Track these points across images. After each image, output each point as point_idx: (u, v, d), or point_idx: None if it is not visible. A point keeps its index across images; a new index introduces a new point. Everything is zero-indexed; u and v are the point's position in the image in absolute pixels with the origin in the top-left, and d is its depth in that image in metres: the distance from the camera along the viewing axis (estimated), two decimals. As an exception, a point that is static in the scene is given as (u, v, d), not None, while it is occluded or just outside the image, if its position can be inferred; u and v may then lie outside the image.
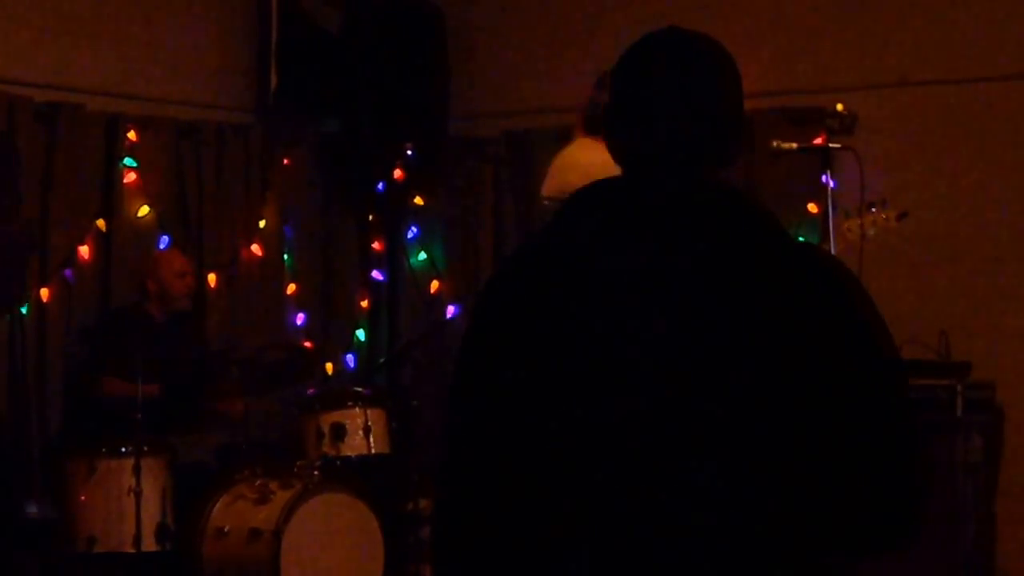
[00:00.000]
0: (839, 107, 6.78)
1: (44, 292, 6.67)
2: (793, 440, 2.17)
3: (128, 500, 5.87)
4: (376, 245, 7.96)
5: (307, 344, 7.51)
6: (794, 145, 5.82)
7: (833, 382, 2.19)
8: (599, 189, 2.34)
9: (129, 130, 7.00)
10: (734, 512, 2.16)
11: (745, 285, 2.21)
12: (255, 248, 7.49)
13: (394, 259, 7.90)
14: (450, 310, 7.67)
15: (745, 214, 2.30)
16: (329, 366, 7.65)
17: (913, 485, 2.23)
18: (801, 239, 5.19)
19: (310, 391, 6.96)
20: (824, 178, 5.78)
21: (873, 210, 5.78)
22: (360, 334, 7.90)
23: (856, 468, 2.19)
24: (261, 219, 7.53)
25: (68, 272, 6.78)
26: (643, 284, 2.23)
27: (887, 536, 2.23)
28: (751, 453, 2.16)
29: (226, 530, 5.98)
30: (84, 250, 6.83)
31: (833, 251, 5.36)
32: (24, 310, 6.59)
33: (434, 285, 7.78)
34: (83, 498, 5.95)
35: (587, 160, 5.21)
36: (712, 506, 2.17)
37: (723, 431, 2.16)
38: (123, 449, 5.95)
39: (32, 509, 6.38)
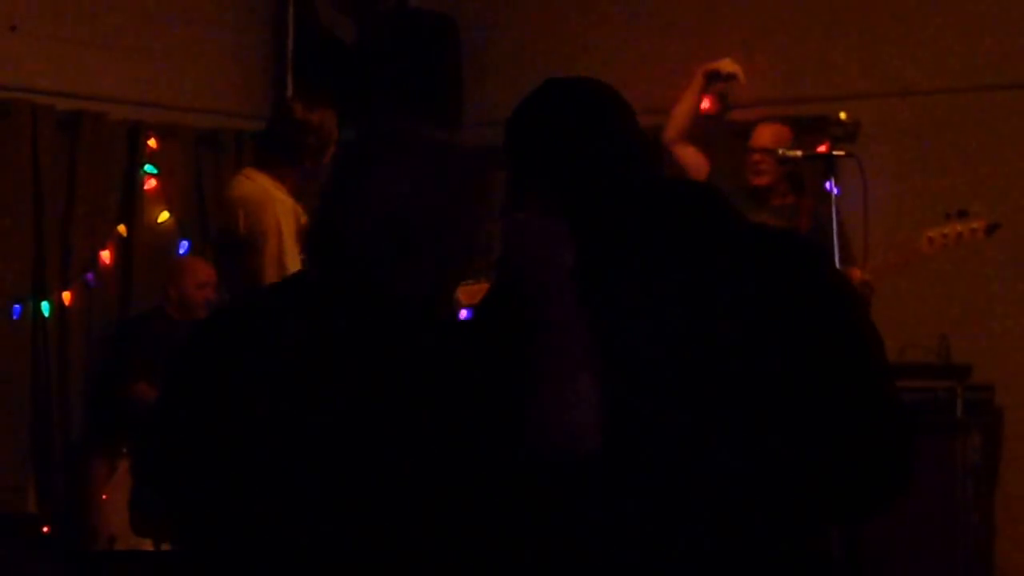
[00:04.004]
0: (843, 116, 6.87)
1: (66, 296, 6.79)
2: (785, 411, 2.24)
3: (149, 499, 5.96)
4: (391, 250, 8.03)
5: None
6: (799, 153, 5.88)
7: (816, 351, 2.26)
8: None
9: (150, 138, 7.12)
10: (734, 488, 2.23)
11: (726, 265, 2.30)
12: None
13: (408, 264, 7.96)
14: (463, 314, 7.74)
15: (715, 201, 2.41)
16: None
17: (904, 444, 2.32)
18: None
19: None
20: (828, 185, 5.86)
21: (962, 221, 5.79)
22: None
23: (847, 434, 2.26)
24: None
25: (90, 276, 6.90)
26: (636, 271, 2.33)
27: (880, 496, 2.32)
28: (747, 429, 2.23)
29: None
30: (105, 255, 6.95)
31: (836, 255, 5.40)
32: (47, 313, 6.72)
33: (449, 289, 7.87)
34: (104, 497, 6.07)
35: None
36: (712, 484, 2.23)
37: (722, 407, 2.24)
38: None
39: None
